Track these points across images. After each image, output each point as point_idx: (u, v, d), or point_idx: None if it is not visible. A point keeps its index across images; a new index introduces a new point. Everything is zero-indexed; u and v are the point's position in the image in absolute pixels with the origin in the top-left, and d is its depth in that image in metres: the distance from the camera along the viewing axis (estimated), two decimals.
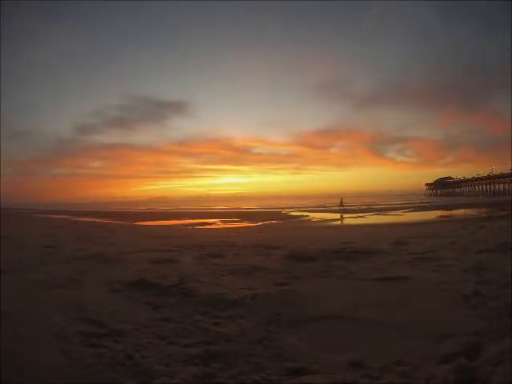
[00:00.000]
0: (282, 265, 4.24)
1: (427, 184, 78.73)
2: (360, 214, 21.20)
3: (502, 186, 54.71)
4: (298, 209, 32.26)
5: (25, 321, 2.16)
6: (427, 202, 39.31)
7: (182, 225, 16.64)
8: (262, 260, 4.60)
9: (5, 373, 1.56)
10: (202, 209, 39.80)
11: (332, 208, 31.11)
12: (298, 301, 2.81)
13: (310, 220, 19.19)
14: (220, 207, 43.05)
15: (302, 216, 22.50)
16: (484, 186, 60.32)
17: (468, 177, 65.89)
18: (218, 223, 17.61)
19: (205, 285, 3.20)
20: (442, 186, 72.58)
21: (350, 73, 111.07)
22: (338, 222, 16.38)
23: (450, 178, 72.35)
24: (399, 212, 22.31)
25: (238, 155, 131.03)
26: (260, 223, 16.67)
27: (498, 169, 56.45)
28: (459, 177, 69.24)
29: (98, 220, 18.81)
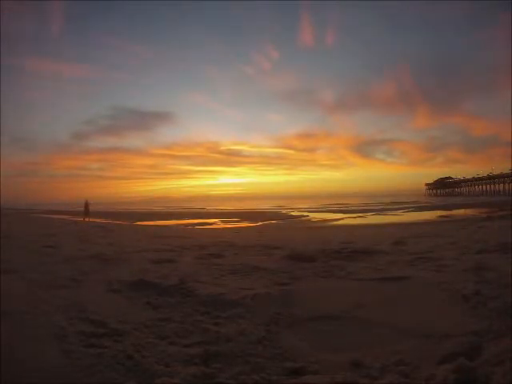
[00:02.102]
0: (282, 265, 4.24)
1: (427, 184, 78.78)
2: (360, 214, 21.20)
3: (501, 186, 54.71)
4: (297, 209, 32.25)
5: (25, 321, 2.16)
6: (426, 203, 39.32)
7: (182, 225, 16.64)
8: (261, 260, 4.60)
9: (5, 373, 1.56)
10: (201, 209, 39.76)
11: (333, 208, 31.10)
12: (298, 301, 2.81)
13: (309, 220, 19.19)
14: (219, 207, 43.02)
15: (302, 216, 22.50)
16: (484, 186, 60.32)
17: (467, 177, 66.00)
18: (217, 223, 17.63)
19: (205, 285, 3.20)
20: (442, 186, 72.60)
21: (314, 82, 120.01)
22: (338, 222, 16.37)
23: (449, 177, 72.37)
24: (399, 212, 22.31)
25: (227, 157, 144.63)
26: (260, 223, 16.68)
27: (490, 168, 56.79)
28: (459, 177, 69.32)
29: (97, 220, 18.81)
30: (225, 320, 2.40)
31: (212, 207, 43.69)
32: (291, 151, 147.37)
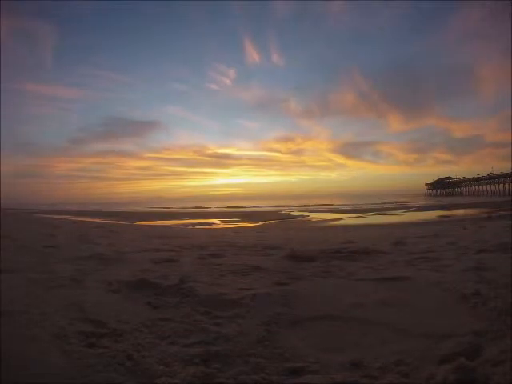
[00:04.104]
0: (282, 265, 4.24)
1: (427, 184, 78.85)
2: (360, 214, 21.20)
3: (501, 186, 54.74)
4: (297, 208, 32.25)
5: (25, 321, 2.16)
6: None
7: (182, 225, 16.63)
8: (261, 260, 4.59)
9: (5, 373, 1.56)
10: (199, 208, 39.74)
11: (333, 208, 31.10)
12: (298, 301, 2.80)
13: (309, 220, 19.18)
14: (217, 207, 43.01)
15: (302, 216, 22.50)
16: (484, 186, 60.36)
17: (467, 177, 66.09)
18: (217, 223, 17.63)
19: (205, 285, 3.19)
20: (442, 186, 72.71)
21: (277, 93, 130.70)
22: (339, 222, 16.37)
23: (449, 177, 72.49)
24: (399, 212, 22.31)
25: (217, 160, 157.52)
26: (260, 223, 16.68)
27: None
28: (459, 177, 69.41)
29: (97, 220, 18.81)
30: (225, 320, 2.40)
31: (210, 207, 43.67)
32: (277, 154, 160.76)
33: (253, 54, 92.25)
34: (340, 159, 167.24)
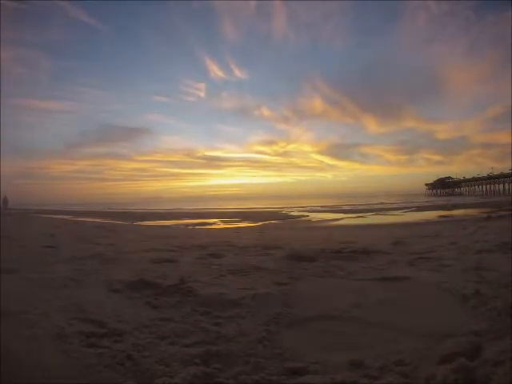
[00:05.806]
0: (282, 265, 4.24)
1: (427, 184, 78.88)
2: (360, 214, 21.21)
3: (501, 186, 54.78)
4: (297, 208, 32.31)
5: (25, 321, 2.16)
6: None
7: (182, 225, 16.63)
8: (261, 260, 4.59)
9: (5, 373, 1.56)
10: (198, 209, 39.75)
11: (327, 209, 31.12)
12: (298, 301, 2.81)
13: (309, 220, 19.19)
14: (217, 207, 43.02)
15: (302, 216, 22.50)
16: (484, 186, 60.40)
17: (468, 177, 66.18)
18: (218, 223, 17.63)
19: (205, 285, 3.19)
20: (442, 186, 72.71)
21: (250, 102, 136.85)
22: (339, 222, 16.37)
23: (449, 178, 72.52)
24: (399, 212, 22.32)
25: (209, 162, 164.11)
26: (260, 223, 16.67)
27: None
28: (459, 177, 69.49)
29: (97, 220, 18.81)
30: (225, 320, 2.40)
31: (210, 207, 43.65)
32: (266, 156, 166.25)
33: (216, 71, 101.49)
34: (330, 161, 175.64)
